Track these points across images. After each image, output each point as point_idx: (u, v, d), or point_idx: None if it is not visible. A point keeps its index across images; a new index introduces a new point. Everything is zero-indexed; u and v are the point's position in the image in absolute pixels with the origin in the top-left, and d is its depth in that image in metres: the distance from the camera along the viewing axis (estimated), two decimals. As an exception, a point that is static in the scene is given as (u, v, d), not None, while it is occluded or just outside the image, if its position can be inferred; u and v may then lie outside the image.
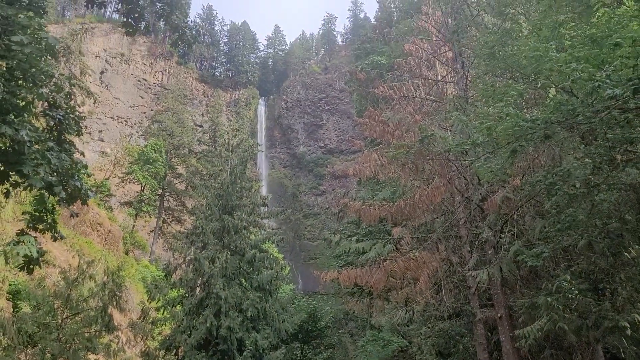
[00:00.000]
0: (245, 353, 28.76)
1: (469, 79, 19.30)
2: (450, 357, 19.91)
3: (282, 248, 70.20)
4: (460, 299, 17.53)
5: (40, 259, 10.48)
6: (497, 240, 13.98)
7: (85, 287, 19.06)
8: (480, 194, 14.92)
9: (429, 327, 19.11)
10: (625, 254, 10.82)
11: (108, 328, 18.29)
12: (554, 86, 11.24)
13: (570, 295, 10.52)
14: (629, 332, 9.89)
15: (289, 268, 39.79)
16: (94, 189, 20.02)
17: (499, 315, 13.10)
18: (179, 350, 30.77)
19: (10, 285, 25.61)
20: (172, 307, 32.10)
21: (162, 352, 30.54)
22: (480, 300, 17.16)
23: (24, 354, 18.76)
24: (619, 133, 10.19)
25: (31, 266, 10.46)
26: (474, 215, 17.26)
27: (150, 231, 69.03)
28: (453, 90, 20.80)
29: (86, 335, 18.48)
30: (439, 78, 21.62)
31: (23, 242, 10.02)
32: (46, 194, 10.52)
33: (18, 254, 9.78)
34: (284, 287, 47.57)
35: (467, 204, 17.53)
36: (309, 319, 38.27)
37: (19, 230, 11.52)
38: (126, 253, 57.07)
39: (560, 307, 10.48)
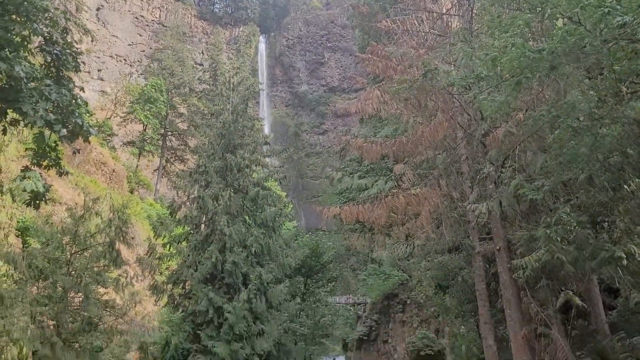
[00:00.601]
0: (250, 286, 29.62)
1: (475, 12, 18.76)
2: (449, 288, 20.53)
3: (285, 186, 70.85)
4: (460, 233, 17.82)
5: (46, 194, 10.62)
6: (498, 175, 14.05)
7: (92, 223, 19.38)
8: (483, 130, 14.85)
9: (428, 261, 19.56)
10: (625, 187, 10.90)
11: (116, 263, 18.76)
12: (561, 17, 10.91)
13: (568, 228, 10.69)
14: (625, 262, 10.11)
15: (291, 206, 40.34)
16: (95, 128, 20.00)
17: (497, 247, 13.35)
18: (186, 284, 31.71)
19: (18, 222, 26.06)
20: (178, 243, 32.83)
21: (170, 285, 31.51)
22: (479, 234, 17.47)
23: (35, 287, 19.36)
24: (625, 65, 10.00)
25: (37, 201, 10.62)
26: (475, 152, 17.26)
27: (154, 170, 69.44)
28: (458, 23, 20.25)
29: (95, 269, 18.99)
30: (444, 11, 21.01)
31: (28, 177, 10.12)
32: (47, 131, 10.50)
33: (24, 189, 9.90)
34: (287, 224, 48.39)
35: (469, 140, 17.49)
36: (311, 254, 39.18)
37: (23, 167, 11.62)
38: (131, 192, 57.65)
39: (559, 239, 10.66)
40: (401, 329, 54.19)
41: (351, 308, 60.54)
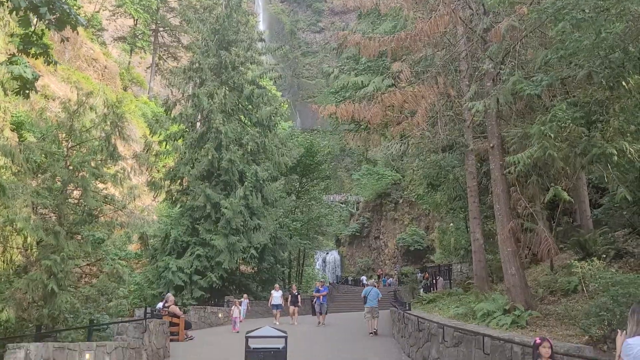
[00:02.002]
0: (246, 183, 30.23)
1: None
2: (441, 186, 21.02)
3: (280, 87, 69.68)
4: (454, 132, 17.92)
5: (35, 83, 10.44)
6: (497, 73, 13.85)
7: (86, 118, 19.32)
8: (485, 24, 14.41)
9: (422, 160, 19.81)
10: (623, 83, 10.82)
11: (112, 157, 18.94)
12: None
13: (563, 124, 10.75)
14: (615, 158, 10.29)
15: (287, 106, 40.01)
16: (84, 21, 19.29)
17: (491, 145, 13.50)
18: (183, 180, 32.28)
19: (12, 117, 25.93)
20: (174, 140, 32.95)
21: (167, 182, 32.09)
22: (473, 133, 17.58)
23: (34, 181, 19.70)
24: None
25: (27, 90, 10.45)
26: (475, 49, 16.85)
27: (147, 68, 67.79)
28: None
29: (92, 164, 19.20)
30: None
31: (15, 62, 9.89)
32: (32, 15, 10.09)
33: (12, 73, 9.71)
34: (282, 124, 48.37)
35: (469, 36, 17.01)
36: (306, 154, 39.55)
37: (10, 54, 11.32)
38: (124, 90, 56.73)
39: (552, 135, 10.75)
40: (392, 226, 56.27)
41: (344, 206, 62.32)
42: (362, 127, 22.76)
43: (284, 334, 9.52)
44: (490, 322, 11.95)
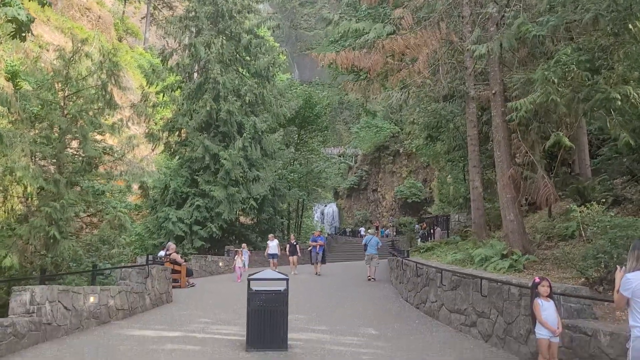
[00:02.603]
0: (245, 135, 30.08)
1: None
2: (440, 136, 20.93)
3: (278, 38, 68.27)
4: (456, 80, 17.69)
5: (30, 25, 10.21)
6: (501, 16, 13.56)
7: (82, 65, 18.90)
8: (489, -33, 14.03)
9: (422, 108, 19.63)
10: (630, 26, 10.61)
11: (110, 105, 18.65)
12: None
13: (567, 69, 10.61)
14: (619, 103, 10.20)
15: (285, 56, 39.36)
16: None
17: (493, 91, 13.35)
18: (182, 132, 32.10)
19: (7, 66, 25.48)
20: (172, 91, 32.55)
21: (166, 133, 31.91)
22: (475, 81, 17.36)
23: (32, 131, 19.48)
24: None
25: (23, 34, 10.25)
26: (479, -7, 16.47)
27: (142, 18, 66.17)
28: None
29: (90, 113, 18.96)
30: None
31: (9, 4, 9.65)
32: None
33: (5, 15, 9.47)
34: (280, 75, 47.73)
35: (473, -20, 16.59)
36: (305, 105, 39.24)
37: (4, -3, 11.02)
38: (119, 40, 55.59)
39: (556, 80, 10.62)
40: (390, 179, 56.51)
41: (343, 159, 62.38)
42: (362, 77, 22.47)
43: (285, 277, 9.68)
44: (487, 267, 12.16)
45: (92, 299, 11.33)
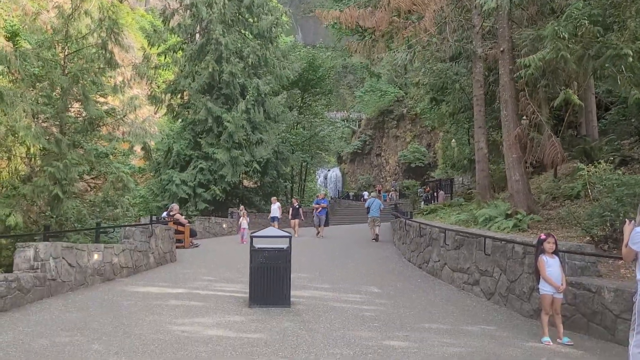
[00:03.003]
0: (247, 97, 29.76)
1: None
2: (446, 97, 20.61)
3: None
4: (463, 39, 17.29)
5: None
6: (511, -29, 13.12)
7: (82, 23, 18.60)
8: None
9: (428, 68, 19.27)
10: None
11: (111, 65, 18.44)
12: None
13: (578, 24, 10.31)
14: (630, 60, 9.94)
15: (288, 18, 38.62)
16: None
17: (501, 49, 13.02)
18: (184, 94, 31.79)
19: (7, 25, 25.03)
20: (173, 52, 32.11)
21: (168, 96, 31.62)
22: (482, 40, 16.97)
23: (33, 91, 19.29)
24: None
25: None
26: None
27: (142, -22, 64.90)
28: None
29: (91, 72, 18.75)
30: None
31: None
32: None
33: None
34: (283, 38, 46.93)
35: None
36: (308, 68, 38.70)
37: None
38: (120, 1, 54.56)
39: (566, 36, 10.33)
40: (394, 143, 56.21)
41: (346, 123, 61.97)
42: (367, 37, 21.98)
43: (288, 234, 9.66)
44: (491, 227, 12.11)
45: (96, 257, 11.37)
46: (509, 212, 12.22)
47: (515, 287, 9.25)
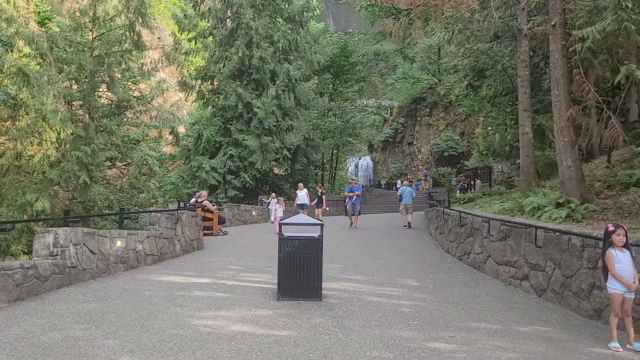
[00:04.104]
0: (278, 82, 29.08)
1: None
2: (485, 80, 19.45)
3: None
4: (506, 16, 16.15)
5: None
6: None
7: (109, 5, 18.17)
8: None
9: (467, 48, 18.16)
10: None
11: (137, 46, 17.96)
12: None
13: (645, -9, 9.24)
14: None
15: (319, 3, 37.72)
16: None
17: (552, 23, 11.92)
18: (214, 80, 31.32)
19: (38, 12, 24.89)
20: (204, 38, 31.67)
21: (198, 81, 31.22)
22: (528, 17, 15.82)
23: (62, 74, 19.00)
24: None
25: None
26: None
27: (173, -35, 64.66)
28: None
29: (118, 54, 18.34)
30: None
31: None
32: None
33: None
34: (314, 23, 46.03)
35: None
36: (340, 54, 37.77)
37: None
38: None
39: (630, 4, 9.27)
40: (427, 132, 54.71)
41: (378, 111, 60.73)
42: (404, 14, 20.98)
43: (320, 222, 8.94)
44: (540, 216, 11.13)
45: (119, 243, 10.89)
46: (560, 200, 11.20)
47: (572, 284, 8.32)
